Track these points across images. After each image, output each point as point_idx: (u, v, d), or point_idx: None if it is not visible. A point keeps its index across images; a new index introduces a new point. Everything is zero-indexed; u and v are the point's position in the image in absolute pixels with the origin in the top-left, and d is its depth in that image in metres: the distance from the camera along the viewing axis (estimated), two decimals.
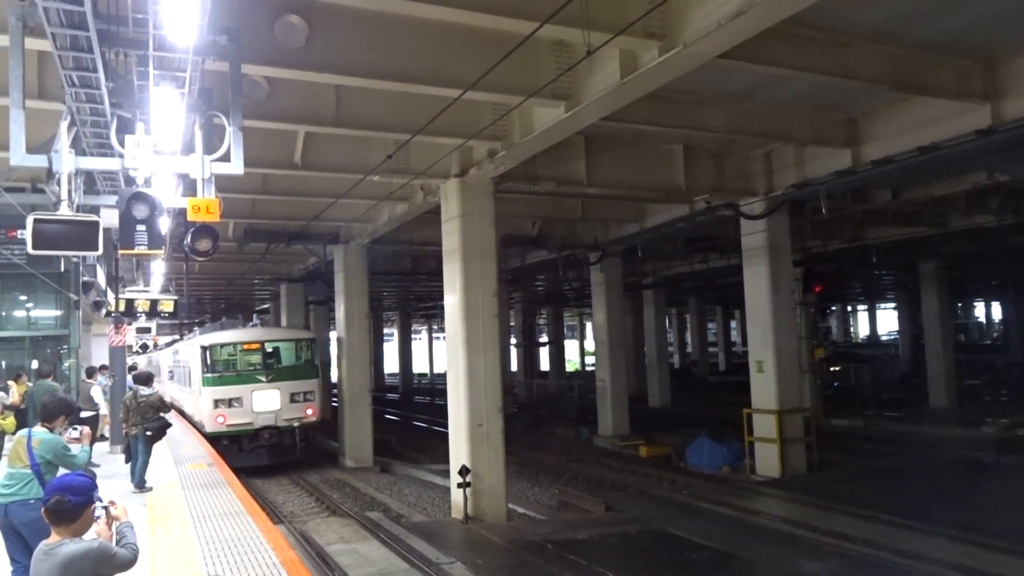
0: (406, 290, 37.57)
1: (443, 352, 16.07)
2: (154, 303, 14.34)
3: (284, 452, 19.82)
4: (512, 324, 39.56)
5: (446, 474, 15.33)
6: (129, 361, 19.03)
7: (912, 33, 9.95)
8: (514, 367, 38.83)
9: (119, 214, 6.38)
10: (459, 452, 13.44)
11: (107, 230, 6.65)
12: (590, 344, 47.11)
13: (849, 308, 61.64)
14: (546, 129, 10.81)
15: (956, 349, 28.85)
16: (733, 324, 58.26)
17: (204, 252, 6.94)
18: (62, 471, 6.06)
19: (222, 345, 20.60)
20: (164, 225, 8.26)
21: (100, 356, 20.06)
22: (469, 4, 7.65)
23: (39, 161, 6.21)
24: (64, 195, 6.22)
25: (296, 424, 19.81)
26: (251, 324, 24.67)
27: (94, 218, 6.26)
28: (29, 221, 6.00)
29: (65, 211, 6.18)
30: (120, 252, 6.78)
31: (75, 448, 6.45)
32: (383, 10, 8.10)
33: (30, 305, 19.28)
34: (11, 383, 13.80)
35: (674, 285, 33.10)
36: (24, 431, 6.41)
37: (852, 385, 29.51)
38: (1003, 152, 11.79)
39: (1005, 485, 14.30)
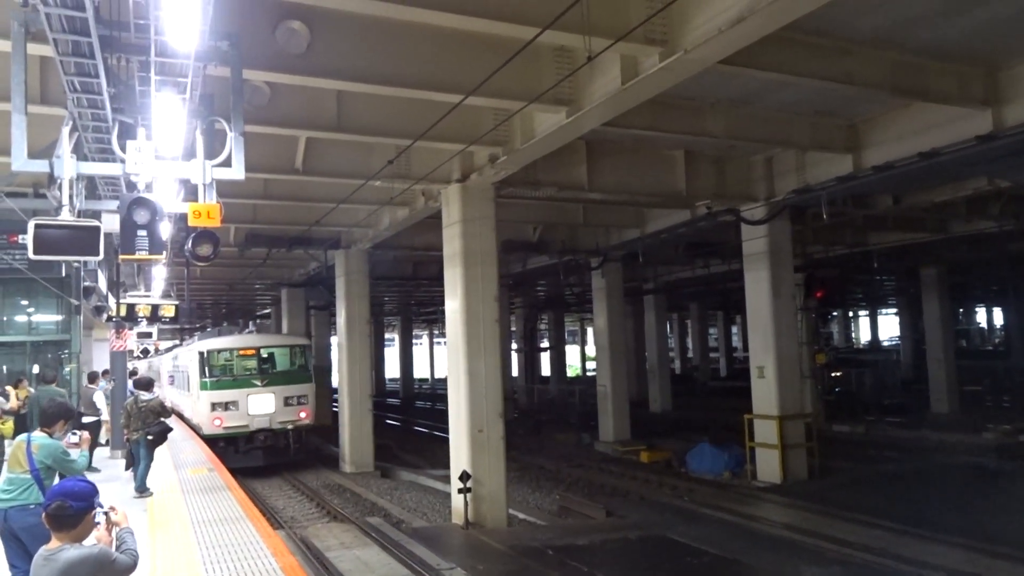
0: (407, 295, 37.58)
1: (444, 357, 16.07)
2: (155, 308, 14.35)
3: (278, 453, 20.49)
4: (513, 329, 39.56)
5: (447, 479, 15.31)
6: (130, 366, 19.03)
7: (913, 39, 9.96)
8: (515, 372, 38.80)
9: (120, 219, 6.38)
10: (460, 457, 13.42)
11: (108, 235, 6.65)
12: (591, 349, 47.13)
13: (850, 313, 61.64)
14: (547, 134, 10.82)
15: (957, 355, 28.80)
16: (734, 329, 58.24)
17: (205, 257, 6.94)
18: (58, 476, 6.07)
19: (219, 351, 21.41)
20: (165, 230, 8.26)
21: (101, 361, 20.06)
22: (470, 10, 7.67)
23: (41, 166, 6.21)
24: (65, 200, 6.22)
25: (290, 427, 20.52)
26: (247, 331, 25.45)
27: (95, 223, 6.26)
28: (30, 226, 6.00)
29: (66, 216, 6.18)
30: (121, 257, 6.78)
31: (74, 453, 6.45)
32: (384, 16, 8.11)
33: (31, 310, 19.29)
34: (9, 388, 13.79)
35: (675, 290, 33.13)
36: (23, 436, 6.41)
37: (853, 391, 29.46)
38: (1004, 158, 11.80)
39: (1007, 491, 14.28)
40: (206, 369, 20.74)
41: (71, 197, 6.26)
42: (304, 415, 20.82)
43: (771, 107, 12.38)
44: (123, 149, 6.33)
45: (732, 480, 16.49)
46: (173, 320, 14.95)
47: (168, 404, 14.60)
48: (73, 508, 3.51)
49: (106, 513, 3.70)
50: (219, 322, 41.95)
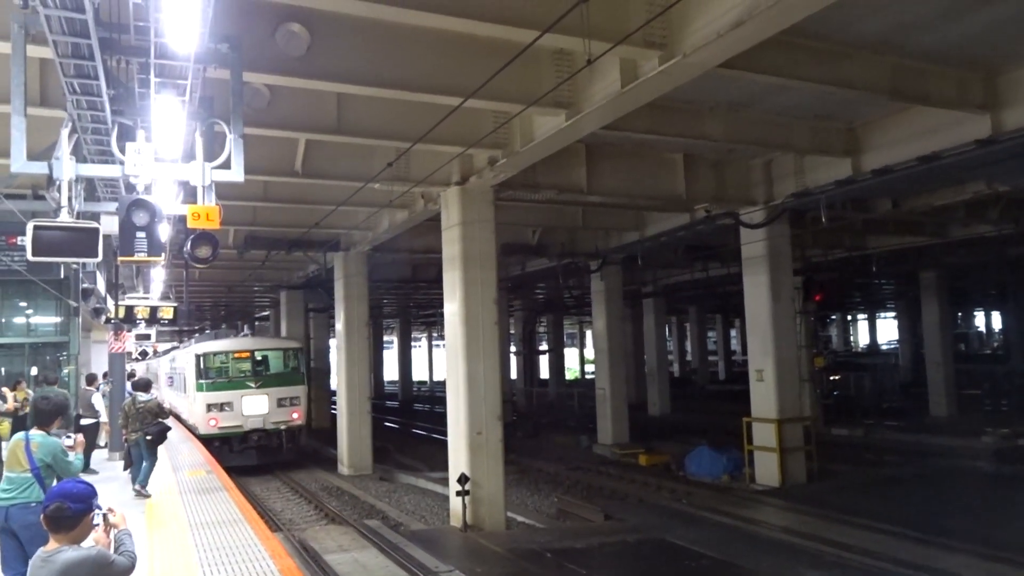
0: (406, 298, 37.58)
1: (443, 360, 16.09)
2: (154, 310, 14.35)
3: (272, 453, 21.20)
4: (512, 332, 39.55)
5: (445, 482, 15.30)
6: (128, 368, 19.02)
7: (912, 43, 9.97)
8: (514, 375, 38.80)
9: (119, 221, 6.39)
10: (458, 460, 13.42)
11: (107, 237, 6.65)
12: (590, 352, 47.10)
13: (849, 317, 61.71)
14: (547, 137, 10.83)
15: (956, 358, 28.83)
16: (733, 333, 58.26)
17: (204, 259, 6.95)
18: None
19: (215, 353, 22.13)
20: (164, 232, 8.28)
21: (100, 363, 20.06)
22: (470, 13, 7.67)
23: (40, 168, 6.21)
24: (64, 202, 6.22)
25: (283, 427, 21.23)
26: (242, 334, 26.09)
27: (94, 225, 6.26)
28: (29, 228, 6.01)
29: (65, 218, 6.18)
30: (120, 259, 6.78)
31: (69, 456, 6.45)
32: (385, 18, 8.11)
33: (30, 312, 19.27)
34: (6, 390, 13.77)
35: (674, 293, 33.12)
36: (20, 435, 6.41)
37: (852, 394, 29.49)
38: (1003, 162, 11.80)
39: (1005, 495, 14.28)
40: (202, 371, 21.40)
41: (70, 199, 6.26)
42: (296, 416, 21.52)
43: (770, 111, 12.39)
44: (122, 151, 6.34)
45: (731, 483, 16.49)
46: (172, 322, 14.96)
47: (167, 405, 14.64)
48: (72, 510, 3.51)
49: (104, 515, 3.70)
50: (218, 324, 42.03)
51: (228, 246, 18.93)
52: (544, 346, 44.16)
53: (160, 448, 11.51)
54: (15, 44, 5.73)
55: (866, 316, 60.65)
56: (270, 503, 17.36)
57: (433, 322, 53.08)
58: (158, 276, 16.71)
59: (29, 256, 6.09)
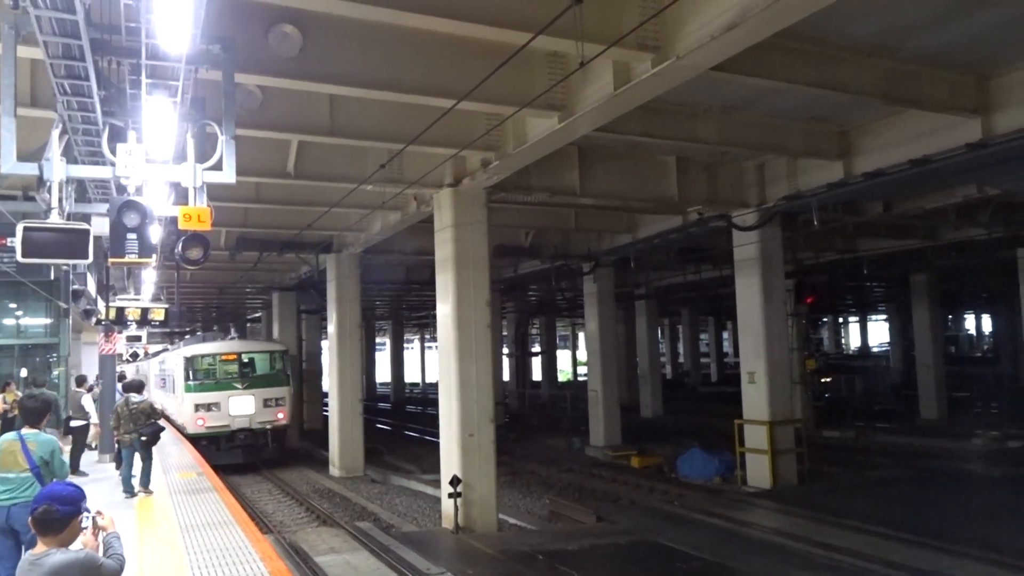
0: (399, 299, 37.51)
1: (435, 362, 16.09)
2: (145, 311, 14.32)
3: (257, 451, 22.00)
4: (504, 334, 39.55)
5: (437, 484, 15.27)
6: (119, 370, 18.96)
7: (905, 47, 10.02)
8: (506, 377, 38.80)
9: (110, 222, 6.35)
10: (450, 462, 13.40)
11: (98, 238, 6.63)
12: (582, 354, 47.13)
13: (841, 320, 61.92)
14: (539, 139, 10.82)
15: (947, 361, 28.99)
16: (725, 335, 58.38)
17: (195, 261, 6.93)
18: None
19: (203, 356, 22.96)
20: (155, 233, 8.23)
21: (90, 364, 19.98)
22: (464, 15, 7.66)
23: (30, 169, 6.17)
24: (55, 203, 6.19)
25: (268, 426, 22.08)
26: (229, 337, 26.66)
27: (85, 226, 6.24)
28: (19, 229, 5.98)
29: (55, 219, 6.15)
30: (111, 260, 6.74)
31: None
32: (378, 20, 8.10)
33: (19, 313, 19.19)
34: None
35: (666, 296, 33.17)
36: (12, 435, 6.39)
37: (843, 396, 29.65)
38: (993, 166, 11.88)
39: (996, 497, 14.35)
40: (190, 373, 22.18)
41: (60, 200, 6.23)
42: (281, 416, 22.41)
43: (763, 113, 12.43)
44: (113, 152, 6.30)
45: (722, 485, 16.51)
46: (163, 323, 14.92)
47: (157, 406, 14.65)
48: (60, 512, 3.49)
49: (93, 518, 3.68)
50: (209, 326, 41.92)
51: (220, 247, 18.86)
52: (537, 348, 44.18)
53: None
54: (5, 45, 5.69)
55: (857, 319, 60.88)
56: (261, 505, 17.30)
57: (426, 324, 53.00)
58: (149, 278, 16.64)
59: (19, 257, 6.06)
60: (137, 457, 11.12)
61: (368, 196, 13.71)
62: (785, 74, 9.71)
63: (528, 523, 14.59)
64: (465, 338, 13.34)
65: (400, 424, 34.41)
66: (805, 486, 15.72)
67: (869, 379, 33.83)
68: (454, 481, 13.02)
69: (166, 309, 15.03)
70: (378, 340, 59.07)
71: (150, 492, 11.08)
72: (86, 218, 7.23)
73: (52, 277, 16.21)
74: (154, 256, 6.85)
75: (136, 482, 11.10)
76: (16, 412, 12.96)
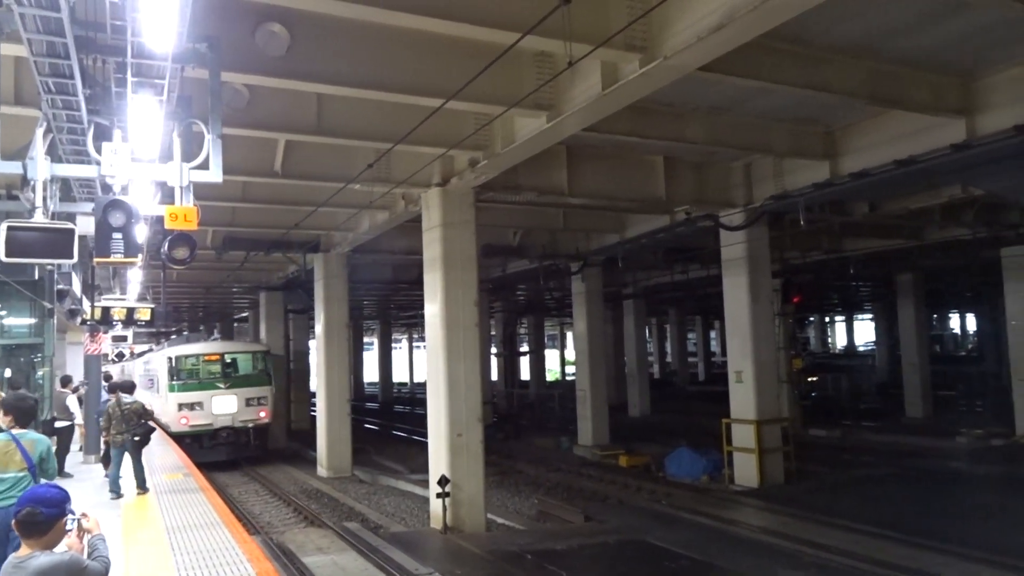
0: (387, 299, 37.42)
1: (423, 361, 16.08)
2: (130, 311, 14.23)
3: (240, 449, 22.67)
4: (493, 333, 39.53)
5: (425, 484, 15.25)
6: (104, 371, 18.82)
7: (890, 48, 10.09)
8: (494, 376, 38.79)
9: (95, 222, 6.32)
10: (438, 462, 13.38)
11: (83, 238, 6.58)
12: (571, 354, 47.16)
13: (827, 319, 62.24)
14: (528, 139, 10.83)
15: (932, 360, 29.20)
16: (713, 334, 58.57)
17: (182, 260, 6.89)
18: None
19: (186, 356, 23.62)
20: (141, 233, 8.18)
21: (75, 365, 19.84)
22: (452, 14, 7.65)
23: (14, 168, 6.13)
24: (39, 202, 6.14)
25: (251, 425, 22.78)
26: (212, 338, 27.62)
27: (69, 226, 6.19)
28: (2, 228, 5.92)
29: (40, 218, 6.10)
30: (96, 260, 6.70)
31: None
32: (366, 19, 8.07)
33: (3, 313, 18.99)
34: None
35: (654, 295, 33.26)
36: (4, 435, 6.36)
37: (830, 395, 29.79)
38: (978, 166, 11.97)
39: (980, 495, 14.46)
40: (174, 373, 22.86)
41: (45, 199, 6.19)
42: (263, 414, 23.08)
43: (750, 114, 12.48)
44: (99, 151, 6.26)
45: (710, 484, 16.57)
46: (149, 323, 14.82)
47: (148, 406, 14.62)
48: (44, 514, 3.46)
49: (78, 520, 3.65)
50: (196, 326, 41.75)
51: (206, 247, 18.76)
52: (525, 347, 44.19)
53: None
54: None
55: (843, 318, 61.21)
56: (248, 506, 17.23)
57: (414, 323, 52.90)
58: (135, 277, 16.54)
59: (2, 257, 6.01)
60: (127, 458, 11.07)
61: (356, 195, 13.67)
62: (772, 75, 9.77)
63: (516, 523, 14.59)
64: (453, 338, 13.33)
65: (388, 424, 34.35)
66: (792, 485, 15.80)
67: (855, 378, 33.95)
68: (442, 481, 13.01)
69: (152, 309, 14.94)
70: (366, 340, 58.93)
71: (146, 491, 11.08)
72: (71, 217, 7.18)
73: (36, 277, 16.05)
74: (140, 256, 6.82)
75: (123, 483, 11.05)
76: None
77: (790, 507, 13.85)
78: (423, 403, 16.15)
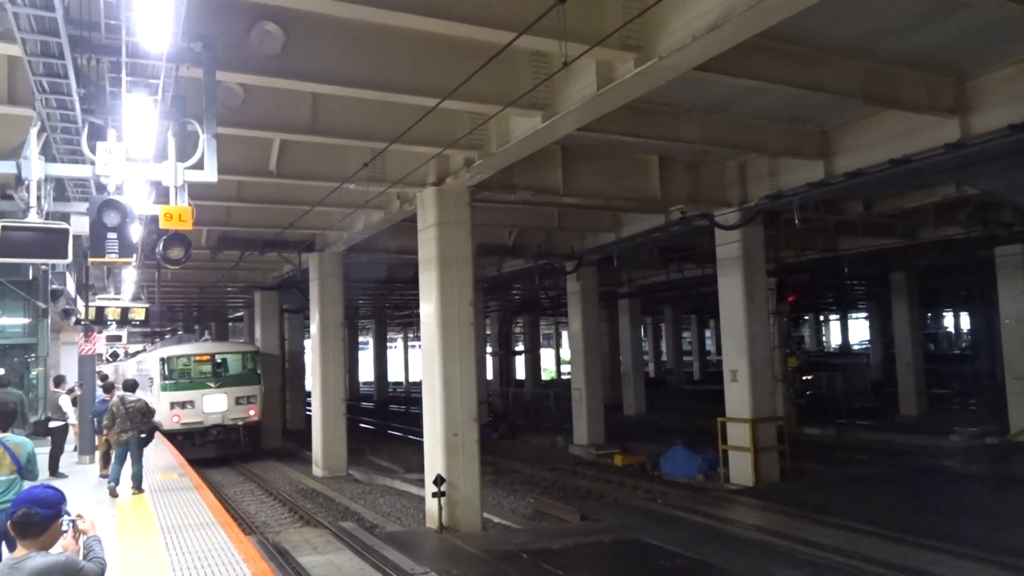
0: (382, 298, 37.39)
1: (419, 361, 16.07)
2: (125, 311, 14.20)
3: (230, 446, 23.33)
4: (488, 333, 39.54)
5: (421, 483, 15.25)
6: (98, 370, 18.79)
7: (884, 48, 10.11)
8: (490, 376, 38.79)
9: (90, 221, 6.30)
10: (434, 461, 13.38)
11: (77, 237, 6.57)
12: (566, 353, 47.21)
13: (821, 318, 62.38)
14: (523, 139, 10.83)
15: (926, 358, 29.30)
16: (708, 333, 58.66)
17: (176, 260, 6.88)
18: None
19: (177, 357, 24.33)
20: (136, 233, 8.17)
21: (69, 365, 19.78)
22: (447, 14, 7.65)
23: (8, 167, 6.12)
24: (33, 202, 6.14)
25: (240, 423, 23.42)
26: (203, 338, 28.75)
27: (64, 225, 6.19)
28: None
29: (34, 218, 6.10)
30: (91, 260, 6.69)
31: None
32: (361, 18, 8.07)
33: None
34: None
35: (649, 294, 33.29)
36: None
37: (824, 394, 29.86)
38: (972, 166, 11.99)
39: (974, 493, 14.51)
40: (166, 373, 23.47)
41: (39, 199, 6.18)
42: (253, 413, 23.79)
43: (745, 113, 12.49)
44: (93, 151, 6.25)
45: (705, 483, 16.60)
46: (143, 323, 14.79)
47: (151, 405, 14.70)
48: (40, 515, 3.44)
49: (73, 521, 3.64)
50: (190, 325, 41.69)
51: (201, 246, 18.72)
52: (520, 347, 44.19)
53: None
54: None
55: (838, 317, 61.35)
56: (244, 505, 17.21)
57: (409, 323, 52.87)
58: (129, 277, 16.51)
59: None
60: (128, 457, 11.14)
61: (351, 195, 13.65)
62: (766, 74, 9.78)
63: (512, 522, 14.60)
64: (449, 337, 13.33)
65: (384, 423, 34.34)
66: (787, 483, 15.84)
67: (850, 377, 34.09)
68: (438, 480, 13.00)
69: (147, 309, 14.91)
70: (361, 339, 58.86)
71: (142, 491, 11.11)
72: (65, 217, 7.17)
73: (31, 276, 16.01)
74: (135, 255, 6.81)
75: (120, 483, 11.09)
76: None
77: (785, 506, 13.88)
78: (418, 402, 16.15)
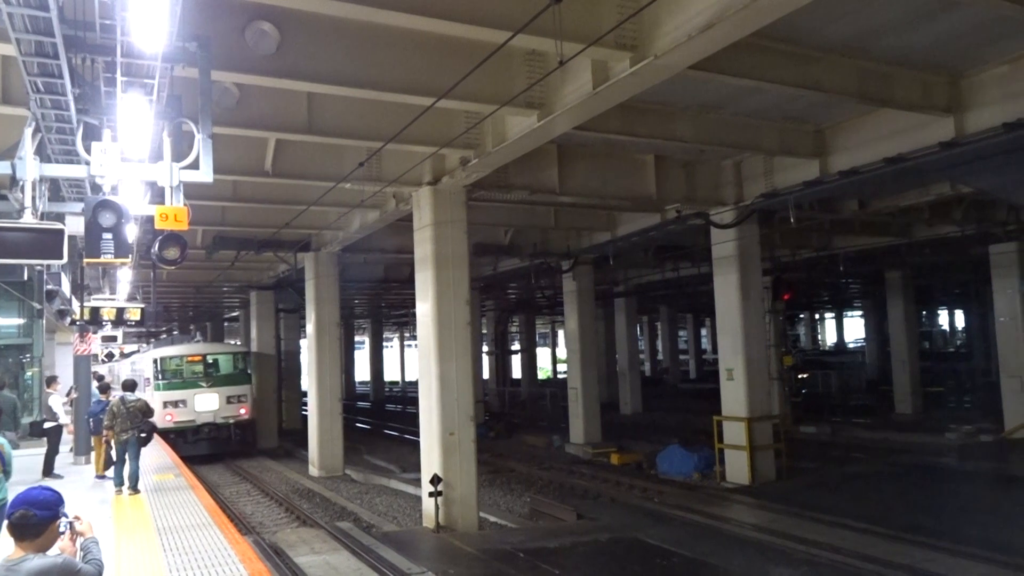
0: (378, 298, 37.38)
1: (415, 360, 16.08)
2: (120, 311, 14.19)
3: (221, 444, 23.89)
4: (484, 332, 39.54)
5: (417, 483, 15.26)
6: (93, 370, 18.74)
7: (879, 47, 10.14)
8: (486, 375, 38.80)
9: (85, 222, 6.29)
10: (431, 461, 13.38)
11: (72, 238, 6.55)
12: (562, 352, 47.22)
13: (817, 316, 62.47)
14: (519, 138, 10.83)
15: (921, 356, 29.36)
16: (703, 332, 58.71)
17: (172, 260, 6.88)
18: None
19: (170, 357, 25.07)
20: (131, 233, 8.15)
21: (65, 365, 19.76)
22: (443, 13, 7.65)
23: (2, 168, 6.10)
24: (28, 202, 6.12)
25: (232, 421, 24.06)
26: (195, 340, 29.94)
27: (59, 226, 6.18)
28: None
29: (29, 219, 6.08)
30: (86, 260, 6.68)
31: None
32: (356, 18, 8.06)
33: None
34: None
35: (645, 293, 33.33)
36: None
37: (820, 392, 29.93)
38: (965, 164, 12.03)
39: (969, 491, 14.55)
40: (159, 373, 24.19)
41: (34, 199, 6.17)
42: (244, 411, 24.44)
43: (740, 112, 12.52)
44: (88, 151, 6.23)
45: (701, 481, 16.62)
46: (139, 323, 14.77)
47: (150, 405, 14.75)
48: (37, 517, 3.43)
49: (71, 523, 3.63)
50: (186, 325, 41.66)
51: (196, 246, 18.68)
52: (516, 346, 44.19)
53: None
54: None
55: (833, 315, 61.45)
56: (240, 506, 17.18)
57: (405, 322, 52.87)
58: (125, 277, 16.47)
59: None
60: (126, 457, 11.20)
61: (347, 194, 13.65)
62: (761, 73, 9.80)
63: (509, 521, 14.60)
64: (445, 336, 13.32)
65: (380, 423, 34.32)
66: (783, 482, 15.86)
67: (845, 375, 34.18)
68: (435, 480, 13.00)
69: (142, 309, 14.91)
70: (357, 339, 58.81)
71: (138, 492, 11.15)
72: (60, 217, 7.15)
73: (25, 277, 15.98)
74: (130, 256, 6.80)
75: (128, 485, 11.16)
76: None
77: (781, 504, 13.90)
78: (415, 402, 16.14)
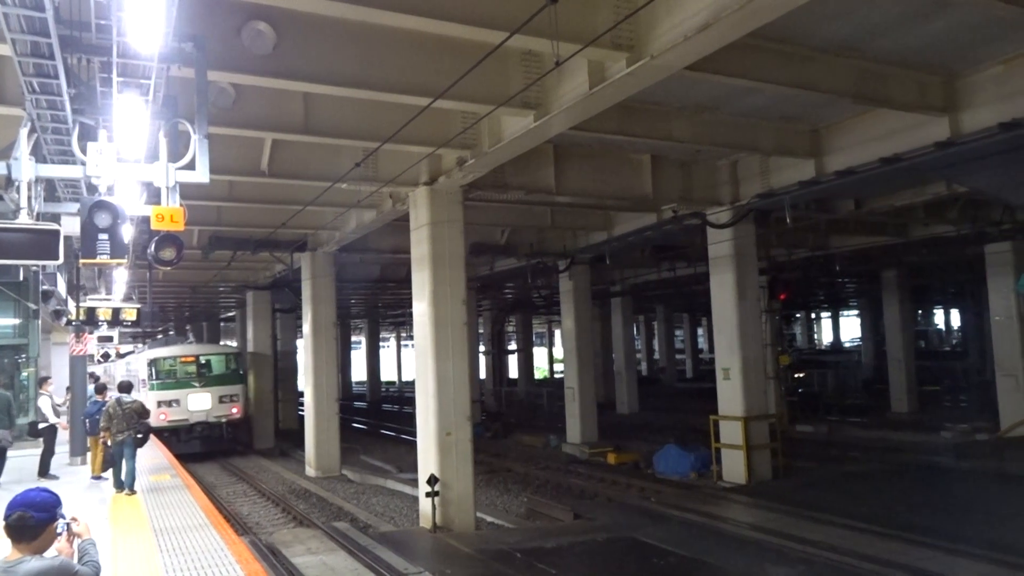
0: (374, 298, 37.35)
1: (411, 360, 16.09)
2: (116, 311, 14.15)
3: (214, 442, 24.58)
4: (481, 332, 39.55)
5: (414, 483, 15.25)
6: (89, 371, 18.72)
7: (874, 47, 10.15)
8: (483, 374, 38.80)
9: (81, 222, 6.27)
10: (427, 461, 13.38)
11: (68, 238, 6.54)
12: (559, 351, 47.24)
13: (813, 315, 62.61)
14: (515, 138, 10.82)
15: (917, 355, 29.43)
16: (700, 331, 58.79)
17: (168, 261, 6.85)
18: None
19: (164, 358, 25.73)
20: (127, 233, 8.14)
21: (61, 366, 19.72)
22: (439, 13, 7.64)
23: None
24: (23, 203, 6.10)
25: (224, 420, 24.72)
26: (188, 341, 30.70)
27: (54, 226, 6.16)
28: None
29: (24, 219, 6.06)
30: (82, 261, 6.66)
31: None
32: (352, 18, 8.05)
33: None
34: None
35: (642, 293, 33.38)
36: None
37: (816, 391, 29.99)
38: (961, 164, 12.06)
39: (965, 490, 14.59)
40: (153, 373, 24.78)
41: (29, 200, 6.15)
42: (236, 411, 25.10)
43: (736, 112, 12.53)
44: (84, 151, 6.22)
45: (698, 481, 16.64)
46: (135, 324, 14.75)
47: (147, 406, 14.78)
48: (35, 519, 3.43)
49: (68, 524, 3.63)
50: (182, 326, 41.62)
51: (193, 246, 18.67)
52: (513, 345, 44.21)
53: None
54: None
55: (829, 314, 61.59)
56: (237, 506, 17.16)
57: (402, 322, 52.82)
58: (121, 277, 16.44)
59: None
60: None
61: (343, 194, 13.64)
62: (757, 73, 9.81)
63: (506, 521, 14.61)
64: (442, 336, 13.32)
65: (377, 423, 34.29)
66: (779, 481, 15.89)
67: (841, 374, 34.25)
68: (431, 480, 13.00)
69: (138, 309, 14.86)
70: (354, 339, 58.78)
71: (134, 492, 11.20)
72: (56, 218, 7.13)
73: (21, 278, 15.94)
74: (126, 256, 6.78)
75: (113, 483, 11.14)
76: None
77: (777, 503, 13.92)
78: (411, 402, 16.16)
